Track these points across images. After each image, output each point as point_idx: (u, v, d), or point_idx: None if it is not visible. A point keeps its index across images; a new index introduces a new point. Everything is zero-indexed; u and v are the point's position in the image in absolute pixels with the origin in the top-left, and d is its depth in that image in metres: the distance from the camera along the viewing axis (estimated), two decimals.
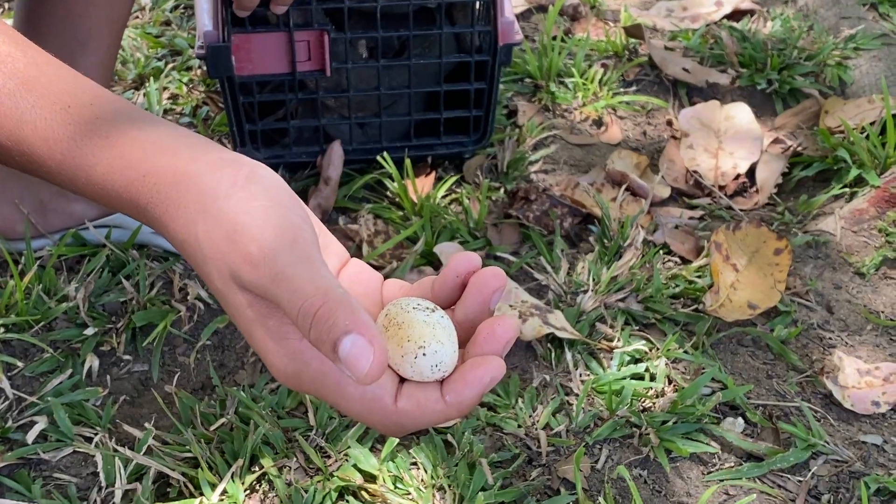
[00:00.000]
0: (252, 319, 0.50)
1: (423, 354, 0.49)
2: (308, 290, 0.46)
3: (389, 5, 1.12)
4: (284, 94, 1.16)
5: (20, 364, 0.98)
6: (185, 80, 1.41)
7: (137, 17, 1.54)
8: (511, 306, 1.05)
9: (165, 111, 1.37)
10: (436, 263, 1.12)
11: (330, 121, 1.20)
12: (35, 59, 0.55)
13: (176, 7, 1.58)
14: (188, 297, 1.06)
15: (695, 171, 1.30)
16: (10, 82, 0.53)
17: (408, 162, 1.20)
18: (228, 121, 1.16)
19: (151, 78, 1.40)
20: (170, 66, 1.43)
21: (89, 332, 1.00)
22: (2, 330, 0.99)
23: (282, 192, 0.51)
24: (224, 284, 0.50)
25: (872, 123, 1.34)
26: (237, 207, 0.49)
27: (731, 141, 1.35)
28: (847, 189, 1.27)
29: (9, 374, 0.97)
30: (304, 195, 1.20)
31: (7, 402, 0.94)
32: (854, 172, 1.26)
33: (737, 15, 1.66)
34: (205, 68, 1.42)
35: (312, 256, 0.48)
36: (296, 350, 0.50)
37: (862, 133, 1.33)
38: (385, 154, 1.20)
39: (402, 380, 0.51)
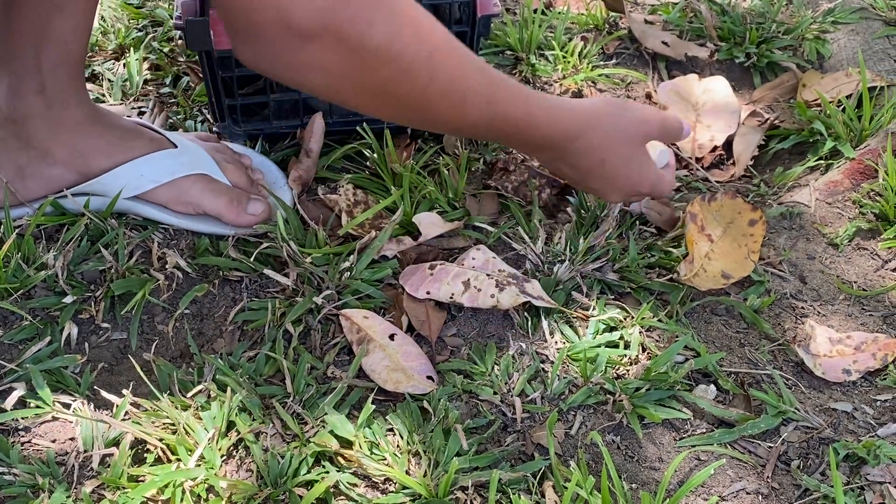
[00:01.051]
0: None
1: None
2: None
3: None
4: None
5: None
6: (165, 50, 1.40)
7: None
8: (488, 275, 1.06)
9: (146, 81, 1.37)
10: (415, 233, 1.13)
11: (309, 93, 1.20)
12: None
13: None
14: (167, 266, 1.07)
15: (672, 143, 1.31)
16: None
17: (387, 133, 1.20)
18: (208, 95, 1.16)
19: (132, 48, 1.40)
20: (150, 36, 1.43)
21: (68, 300, 1.01)
22: None
23: None
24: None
25: (849, 96, 1.35)
26: None
27: (708, 114, 1.36)
28: (822, 161, 1.28)
29: None
30: (284, 166, 1.21)
31: None
32: (829, 145, 1.27)
33: None
34: (184, 39, 1.42)
35: None
36: None
37: (838, 106, 1.34)
38: (365, 125, 1.20)
39: None
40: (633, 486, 0.89)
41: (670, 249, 1.13)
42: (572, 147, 0.98)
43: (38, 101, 1.04)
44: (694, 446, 0.93)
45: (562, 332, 1.03)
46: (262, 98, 1.19)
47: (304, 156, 1.18)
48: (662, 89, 1.40)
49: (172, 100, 1.33)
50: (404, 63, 0.77)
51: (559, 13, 1.56)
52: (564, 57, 1.46)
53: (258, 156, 1.20)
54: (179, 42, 1.42)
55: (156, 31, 1.46)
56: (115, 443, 0.88)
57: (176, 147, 1.10)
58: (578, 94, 1.42)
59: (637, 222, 1.17)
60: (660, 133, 1.05)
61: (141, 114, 1.30)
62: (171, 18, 1.47)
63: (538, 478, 0.88)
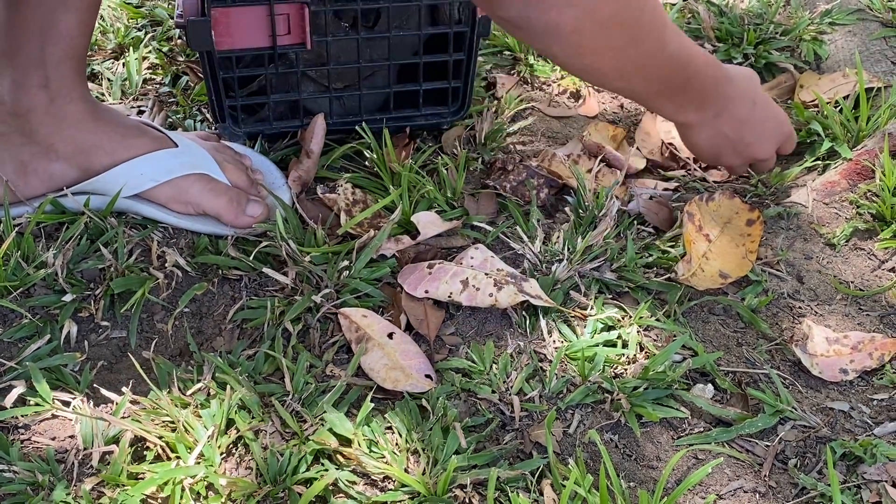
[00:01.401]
0: None
1: None
2: None
3: None
4: (264, 67, 1.16)
5: None
6: (164, 49, 1.41)
7: None
8: (487, 274, 1.06)
9: (145, 80, 1.37)
10: (413, 232, 1.13)
11: (309, 94, 1.20)
12: None
13: None
14: (166, 265, 1.07)
15: (670, 144, 1.32)
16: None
17: (386, 132, 1.20)
18: (208, 95, 1.17)
19: (131, 48, 1.40)
20: (149, 36, 1.43)
21: (67, 298, 1.01)
22: None
23: None
24: None
25: (846, 97, 1.35)
26: None
27: None
28: (820, 162, 1.28)
29: None
30: (283, 166, 1.21)
31: None
32: (826, 145, 1.28)
33: None
34: (184, 38, 1.42)
35: None
36: None
37: (835, 107, 1.34)
38: (364, 125, 1.21)
39: None
40: (631, 484, 0.90)
41: (668, 249, 1.13)
42: (730, 90, 1.07)
43: (42, 95, 1.04)
44: (691, 445, 0.93)
45: (560, 332, 1.03)
46: (262, 99, 1.19)
47: (304, 156, 1.18)
48: None
49: (172, 99, 1.33)
50: None
51: None
52: None
53: (257, 155, 1.21)
54: (179, 41, 1.43)
55: (155, 30, 1.46)
56: (115, 440, 0.88)
57: (177, 146, 1.10)
58: (577, 95, 1.43)
59: (635, 222, 1.18)
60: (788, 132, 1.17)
61: (140, 113, 1.30)
62: (171, 18, 1.47)
63: (536, 476, 0.89)
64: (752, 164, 1.20)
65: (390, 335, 1.01)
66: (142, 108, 1.31)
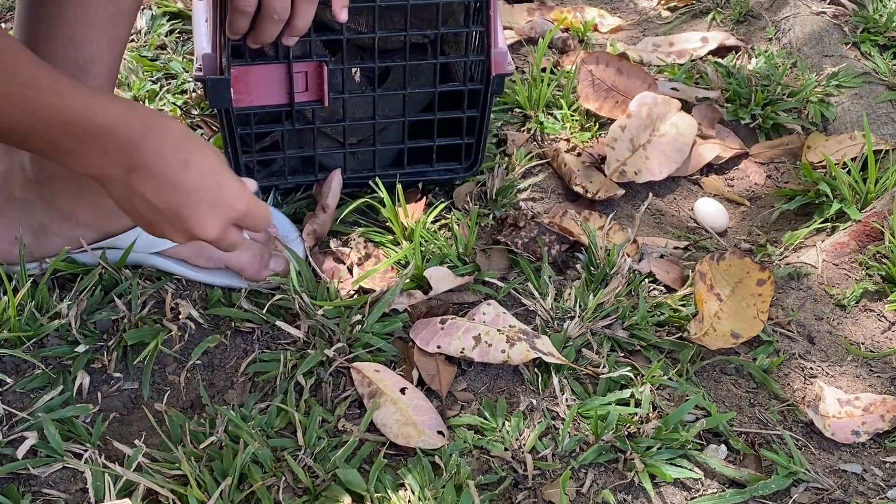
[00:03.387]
0: None
1: None
2: None
3: (386, 37, 1.14)
4: (281, 124, 1.16)
5: (10, 380, 0.98)
6: (179, 102, 1.42)
7: (133, 40, 1.56)
8: (499, 330, 1.06)
9: None
10: (425, 287, 1.14)
11: (325, 150, 1.21)
12: None
13: (171, 31, 1.60)
14: (179, 317, 1.07)
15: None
16: None
17: (399, 187, 1.21)
18: (225, 150, 1.17)
19: (146, 100, 1.41)
20: (164, 89, 1.45)
21: (81, 349, 1.01)
22: None
23: None
24: None
25: (854, 159, 1.37)
26: None
27: (656, 147, 1.40)
28: (828, 223, 1.29)
29: (0, 390, 0.97)
30: (296, 218, 1.22)
31: None
32: (836, 206, 1.29)
33: (722, 51, 1.70)
34: (200, 91, 1.44)
35: None
36: None
37: (843, 168, 1.36)
38: (377, 179, 1.22)
39: None
40: None
41: (679, 308, 1.13)
42: (147, 146, 0.82)
43: None
44: None
45: (572, 389, 1.03)
46: (278, 154, 1.20)
47: (319, 211, 1.19)
48: (639, 98, 1.42)
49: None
50: None
51: (567, 72, 1.58)
52: (572, 115, 1.48)
53: (272, 210, 1.21)
54: (194, 94, 1.44)
55: (170, 83, 1.48)
56: (128, 493, 0.88)
57: None
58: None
59: (646, 280, 1.18)
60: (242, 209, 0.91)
61: None
62: (185, 71, 1.49)
63: None
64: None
65: (402, 390, 1.01)
66: None
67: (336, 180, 1.20)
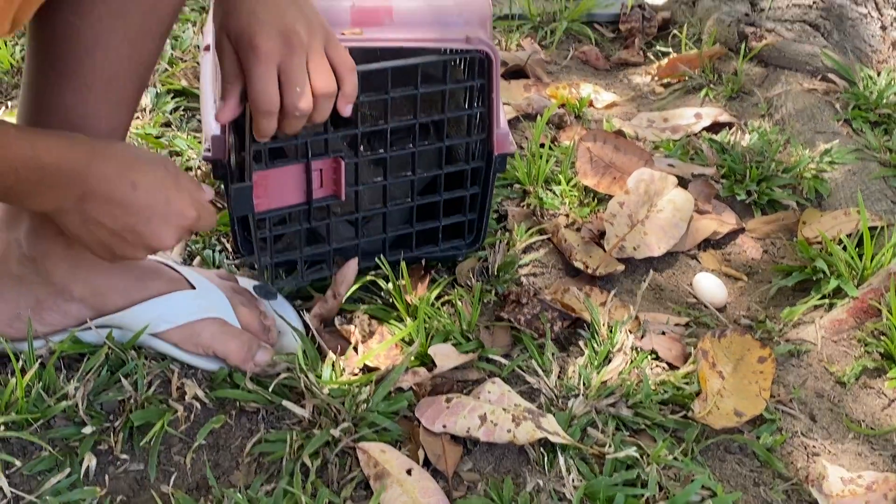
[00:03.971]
0: None
1: None
2: None
3: (397, 126, 1.15)
4: (299, 224, 1.16)
5: (18, 463, 0.98)
6: None
7: (139, 118, 1.58)
8: (504, 409, 1.07)
9: None
10: (430, 365, 1.15)
11: (339, 244, 1.21)
12: None
13: (176, 108, 1.63)
14: (185, 397, 1.08)
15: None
16: None
17: (403, 264, 1.23)
18: (237, 244, 1.16)
19: None
20: None
21: (87, 430, 1.01)
22: (1, 428, 0.99)
23: None
24: None
25: (849, 235, 1.39)
26: None
27: (654, 223, 1.42)
28: (826, 299, 1.31)
29: (7, 472, 0.97)
30: (299, 295, 1.23)
31: (5, 501, 0.94)
32: (833, 283, 1.30)
33: (716, 127, 1.73)
34: (205, 168, 1.46)
35: None
36: None
37: (839, 245, 1.38)
38: (382, 257, 1.23)
39: None
40: None
41: (682, 385, 1.14)
42: (93, 173, 0.89)
43: (59, 241, 1.05)
44: None
45: (578, 470, 1.03)
46: (295, 255, 1.19)
47: (330, 297, 1.19)
48: (636, 174, 1.44)
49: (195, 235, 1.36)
50: None
51: (565, 148, 1.61)
52: (571, 191, 1.50)
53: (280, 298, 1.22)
54: (199, 172, 1.46)
55: (174, 159, 1.49)
56: None
57: (194, 288, 1.12)
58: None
59: (648, 356, 1.19)
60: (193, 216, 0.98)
61: None
62: (189, 148, 1.51)
63: None
64: None
65: (409, 471, 1.01)
66: None
67: (352, 270, 1.20)
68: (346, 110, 1.01)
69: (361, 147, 1.15)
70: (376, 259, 1.23)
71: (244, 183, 1.06)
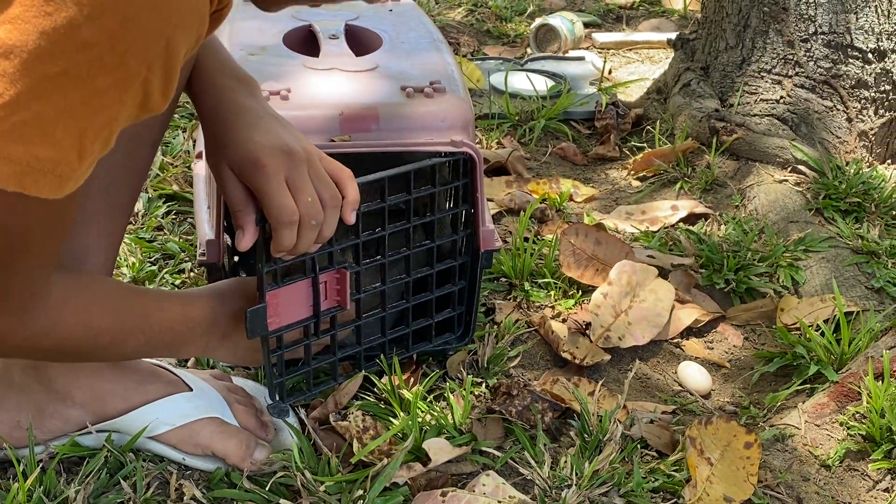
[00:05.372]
0: None
1: None
2: None
3: (394, 231, 1.18)
4: (307, 338, 1.17)
5: None
6: (177, 282, 1.47)
7: (131, 222, 1.62)
8: (499, 502, 1.09)
9: None
10: (424, 459, 1.16)
11: (343, 354, 1.23)
12: None
13: (168, 213, 1.67)
14: (184, 498, 1.09)
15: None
16: None
17: (395, 360, 1.25)
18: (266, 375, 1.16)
19: (146, 281, 1.46)
20: (164, 270, 1.50)
21: None
22: None
23: None
24: None
25: (826, 321, 1.43)
26: None
27: (637, 313, 1.46)
28: (808, 384, 1.34)
29: None
30: (295, 389, 1.25)
31: None
32: (813, 369, 1.34)
33: (692, 218, 1.79)
34: (197, 271, 1.49)
35: None
36: None
37: (817, 331, 1.42)
38: (382, 357, 1.25)
39: None
40: None
41: (672, 473, 1.17)
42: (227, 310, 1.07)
43: None
44: None
45: None
46: (303, 369, 1.19)
47: (331, 403, 1.22)
48: (619, 266, 1.49)
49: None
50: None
51: (547, 242, 1.66)
52: (556, 283, 1.55)
53: (264, 389, 1.24)
54: (192, 274, 1.49)
55: (167, 263, 1.53)
56: None
57: (191, 390, 1.15)
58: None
59: (638, 445, 1.22)
60: None
61: None
62: (181, 252, 1.55)
63: None
64: None
65: None
66: None
67: (356, 384, 1.24)
68: (351, 218, 1.04)
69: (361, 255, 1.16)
70: (377, 360, 1.26)
71: (260, 304, 1.06)
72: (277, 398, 1.16)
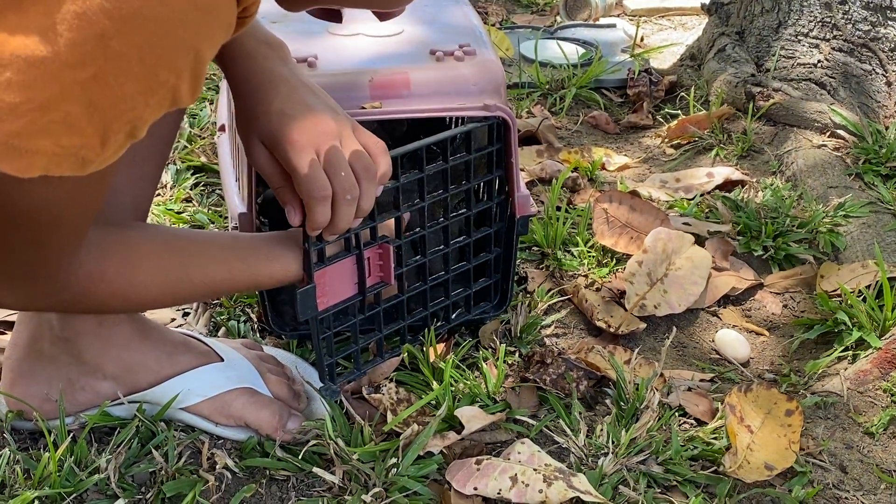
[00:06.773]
0: None
1: None
2: None
3: (431, 201, 1.16)
4: (354, 316, 1.15)
5: None
6: None
7: (160, 194, 1.61)
8: (535, 470, 1.07)
9: None
10: (458, 427, 1.15)
11: (387, 327, 1.20)
12: None
13: (196, 184, 1.66)
14: (216, 467, 1.08)
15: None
16: None
17: (428, 331, 1.23)
18: (318, 358, 1.14)
19: None
20: None
21: (120, 503, 1.01)
22: (36, 503, 1.00)
23: None
24: None
25: (868, 287, 1.40)
26: None
27: (673, 281, 1.43)
28: (849, 351, 1.31)
29: None
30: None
31: None
32: (855, 335, 1.31)
33: (728, 185, 1.75)
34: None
35: None
36: None
37: (859, 296, 1.38)
38: (432, 330, 1.23)
39: None
40: None
41: (712, 441, 1.14)
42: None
43: (90, 319, 1.06)
44: None
45: None
46: (353, 349, 1.18)
47: (366, 381, 1.20)
48: (654, 234, 1.45)
49: (216, 301, 1.37)
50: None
51: (580, 210, 1.63)
52: (588, 252, 1.52)
53: (301, 362, 1.23)
54: None
55: None
56: None
57: (222, 360, 1.13)
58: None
59: (676, 413, 1.19)
60: None
61: (186, 314, 1.34)
62: (210, 223, 1.53)
63: None
64: None
65: None
66: (187, 311, 1.35)
67: (394, 363, 1.23)
68: (379, 191, 1.02)
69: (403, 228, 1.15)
70: (420, 336, 1.24)
71: (309, 285, 1.04)
72: (328, 380, 1.14)
